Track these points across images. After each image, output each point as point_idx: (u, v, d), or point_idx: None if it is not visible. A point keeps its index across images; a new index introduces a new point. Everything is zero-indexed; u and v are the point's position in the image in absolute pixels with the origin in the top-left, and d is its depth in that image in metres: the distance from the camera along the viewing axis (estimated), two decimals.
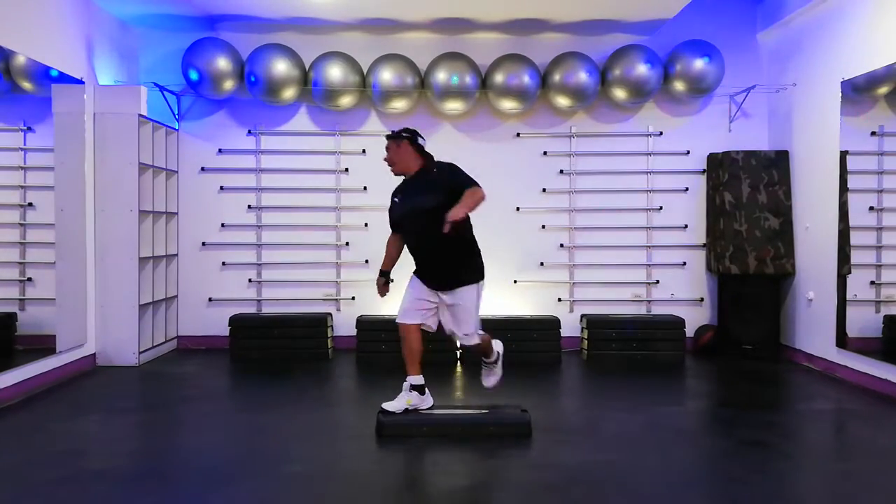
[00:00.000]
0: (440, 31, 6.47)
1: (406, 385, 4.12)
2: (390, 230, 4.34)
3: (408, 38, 6.55)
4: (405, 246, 4.29)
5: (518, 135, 6.63)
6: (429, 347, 6.17)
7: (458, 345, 4.32)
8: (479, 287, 4.13)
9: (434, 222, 3.88)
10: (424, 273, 4.14)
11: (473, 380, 5.47)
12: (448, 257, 4.06)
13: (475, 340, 4.12)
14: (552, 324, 6.18)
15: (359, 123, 6.64)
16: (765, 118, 6.66)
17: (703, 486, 3.38)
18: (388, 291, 4.39)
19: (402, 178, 4.28)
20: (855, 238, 5.47)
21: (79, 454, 3.73)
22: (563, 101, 6.35)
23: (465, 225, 4.07)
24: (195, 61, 6.10)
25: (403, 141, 4.16)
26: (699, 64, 6.19)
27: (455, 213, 3.80)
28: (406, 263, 4.29)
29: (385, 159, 4.23)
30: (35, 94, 5.41)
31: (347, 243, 6.62)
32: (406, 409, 4.08)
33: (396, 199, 4.25)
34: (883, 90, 5.38)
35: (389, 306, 6.48)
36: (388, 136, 4.24)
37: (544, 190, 6.61)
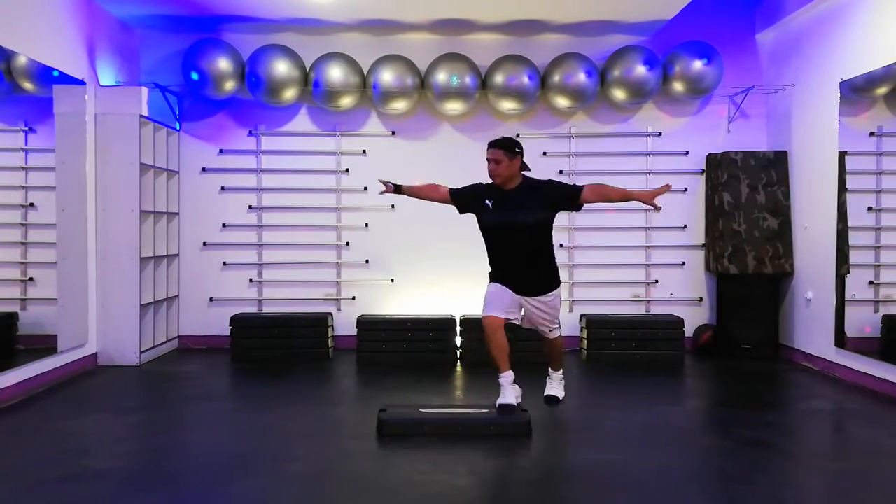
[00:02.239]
0: (440, 31, 6.48)
1: (505, 381, 4.12)
2: (452, 195, 4.35)
3: (408, 39, 6.57)
4: (494, 252, 4.28)
5: (518, 135, 6.59)
6: (428, 347, 6.20)
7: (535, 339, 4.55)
8: (560, 291, 4.37)
9: (534, 238, 4.18)
10: (511, 282, 4.20)
11: (473, 379, 5.49)
12: (539, 268, 4.25)
13: (560, 333, 4.43)
14: None
15: (359, 124, 6.66)
16: (763, 119, 6.67)
17: (702, 484, 3.39)
18: (387, 190, 4.42)
19: (489, 184, 4.28)
20: (853, 238, 5.48)
21: (80, 453, 3.74)
22: (562, 102, 6.37)
23: (550, 234, 4.29)
24: (196, 62, 6.11)
25: (516, 157, 4.20)
26: (698, 65, 6.20)
27: (651, 195, 4.14)
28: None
29: (490, 170, 4.19)
30: (36, 95, 5.42)
31: (348, 243, 6.63)
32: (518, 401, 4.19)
33: (489, 204, 4.22)
34: (881, 91, 5.39)
35: (390, 306, 6.53)
36: (498, 145, 4.20)
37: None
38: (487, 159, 4.21)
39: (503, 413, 4.03)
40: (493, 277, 4.29)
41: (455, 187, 4.38)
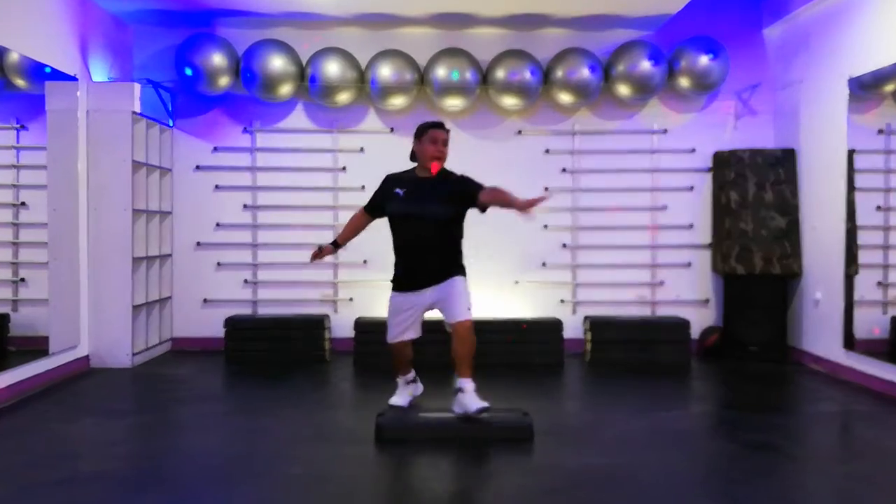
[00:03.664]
0: (440, 26, 6.41)
1: (401, 382, 4.55)
2: (367, 211, 4.41)
3: (407, 34, 6.48)
4: (395, 248, 4.30)
5: (519, 132, 6.55)
6: (427, 350, 6.11)
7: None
8: (465, 280, 4.19)
9: (443, 231, 4.13)
10: (411, 276, 4.21)
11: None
12: (442, 259, 4.17)
13: (470, 316, 4.07)
14: (554, 325, 6.10)
15: (357, 121, 6.57)
16: (771, 115, 6.58)
17: (708, 489, 3.33)
18: (321, 259, 4.44)
19: (401, 172, 4.34)
20: (862, 238, 5.41)
21: (73, 456, 3.72)
22: (565, 98, 6.28)
23: (461, 226, 4.26)
24: (190, 57, 6.02)
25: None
26: (704, 60, 6.11)
27: (524, 204, 3.78)
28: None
29: (440, 152, 4.17)
30: (28, 92, 5.36)
31: None
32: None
33: (399, 192, 4.21)
34: (890, 88, 5.33)
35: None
36: (444, 128, 4.23)
37: (546, 188, 6.52)
38: (442, 140, 4.17)
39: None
40: (395, 284, 4.32)
41: (368, 201, 4.41)
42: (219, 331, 6.22)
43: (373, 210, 4.37)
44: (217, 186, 6.52)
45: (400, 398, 4.50)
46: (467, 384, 3.99)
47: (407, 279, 4.23)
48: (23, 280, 5.51)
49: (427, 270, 4.16)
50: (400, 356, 4.45)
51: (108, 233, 5.68)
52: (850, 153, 5.43)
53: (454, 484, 3.41)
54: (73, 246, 5.54)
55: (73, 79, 5.50)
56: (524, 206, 3.77)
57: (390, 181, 4.31)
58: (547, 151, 6.55)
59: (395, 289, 4.31)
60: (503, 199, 3.92)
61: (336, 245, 4.40)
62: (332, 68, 6.11)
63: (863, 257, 5.40)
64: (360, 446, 3.86)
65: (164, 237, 6.40)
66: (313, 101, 6.43)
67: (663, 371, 5.80)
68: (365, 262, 6.53)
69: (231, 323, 6.13)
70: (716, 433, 4.29)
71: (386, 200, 4.26)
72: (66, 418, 4.40)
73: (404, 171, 4.33)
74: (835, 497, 3.32)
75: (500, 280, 6.46)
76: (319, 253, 4.32)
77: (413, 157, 4.31)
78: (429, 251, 4.15)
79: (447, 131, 4.23)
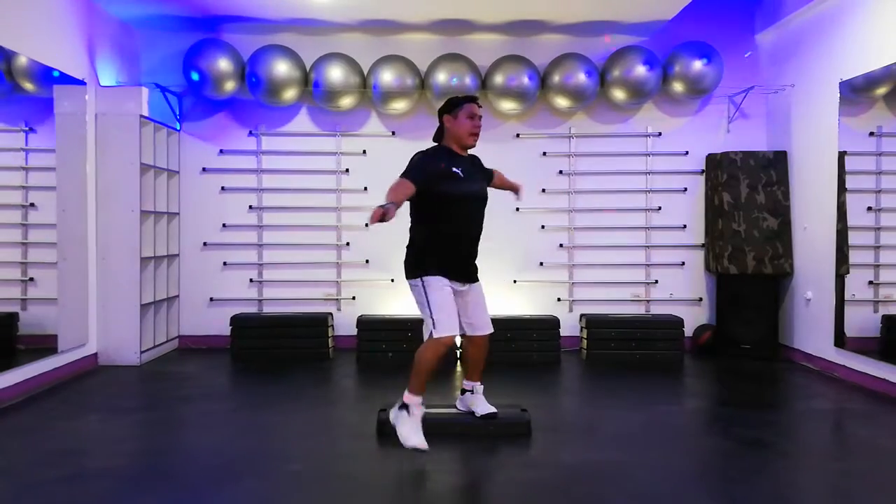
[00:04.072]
0: (440, 32, 6.49)
1: (419, 403, 3.73)
2: (417, 186, 3.54)
3: (408, 40, 6.57)
4: (442, 234, 3.75)
5: (518, 135, 6.65)
6: None
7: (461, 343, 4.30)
8: None
9: (483, 212, 3.94)
10: (458, 265, 3.80)
11: None
12: (477, 250, 3.95)
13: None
14: (551, 323, 6.19)
15: (359, 124, 6.66)
16: (763, 119, 6.68)
17: (702, 484, 3.39)
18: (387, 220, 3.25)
19: (443, 150, 3.80)
20: (853, 238, 5.49)
21: (81, 453, 3.74)
22: (562, 102, 6.37)
23: None
24: (196, 62, 6.11)
25: None
26: (698, 65, 6.20)
27: (519, 187, 4.34)
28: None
29: (477, 127, 3.77)
30: (37, 95, 5.42)
31: (348, 243, 6.64)
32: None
33: (458, 172, 3.69)
34: (881, 91, 5.39)
35: (390, 305, 6.53)
36: (479, 102, 3.84)
37: (544, 190, 6.63)
38: (479, 115, 3.78)
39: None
40: (441, 269, 3.71)
41: (413, 174, 3.59)
42: (225, 329, 6.32)
43: (421, 186, 3.57)
44: (223, 188, 6.61)
45: (419, 432, 3.63)
46: (479, 387, 4.11)
47: (456, 269, 3.77)
48: (32, 280, 5.56)
49: (471, 263, 3.88)
50: (443, 357, 3.74)
51: (117, 233, 5.76)
52: (842, 155, 5.51)
53: (455, 478, 3.46)
54: (82, 246, 5.63)
55: (82, 83, 5.57)
56: (519, 189, 4.34)
57: (441, 157, 3.72)
58: (544, 154, 6.65)
59: (437, 274, 3.69)
60: (507, 183, 4.32)
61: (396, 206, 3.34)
62: (336, 73, 6.21)
63: (854, 257, 5.47)
64: (362, 441, 3.93)
65: (171, 237, 6.47)
66: (317, 106, 6.52)
67: (658, 368, 5.89)
68: (367, 261, 6.63)
69: (237, 321, 6.22)
70: (710, 429, 4.33)
71: (441, 179, 3.65)
72: (73, 415, 4.44)
73: (436, 149, 3.81)
74: (828, 494, 3.35)
75: (498, 279, 6.54)
76: (384, 214, 3.19)
77: (439, 135, 3.85)
78: (476, 240, 3.87)
79: (481, 106, 3.85)
